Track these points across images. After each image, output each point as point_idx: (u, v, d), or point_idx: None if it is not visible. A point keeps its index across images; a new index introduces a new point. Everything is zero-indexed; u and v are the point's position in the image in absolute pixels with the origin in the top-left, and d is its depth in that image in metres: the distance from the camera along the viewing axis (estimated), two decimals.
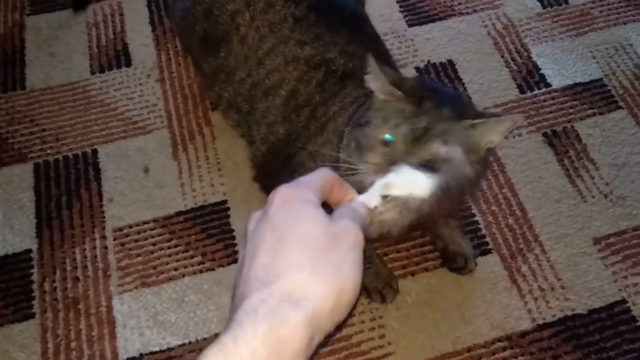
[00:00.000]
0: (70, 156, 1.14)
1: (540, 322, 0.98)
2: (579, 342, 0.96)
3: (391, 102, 0.74)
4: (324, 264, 0.41)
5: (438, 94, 0.75)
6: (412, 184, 0.63)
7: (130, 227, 1.07)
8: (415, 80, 0.82)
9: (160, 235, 1.06)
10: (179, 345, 0.96)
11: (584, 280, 1.01)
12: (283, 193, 0.45)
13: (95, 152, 1.15)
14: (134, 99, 1.21)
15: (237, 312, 0.40)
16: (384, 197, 0.55)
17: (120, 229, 1.07)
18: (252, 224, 0.45)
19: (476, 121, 0.71)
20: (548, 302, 0.99)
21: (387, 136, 0.69)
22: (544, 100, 1.21)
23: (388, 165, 0.66)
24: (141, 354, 0.95)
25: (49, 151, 1.15)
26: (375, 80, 0.75)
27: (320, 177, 0.48)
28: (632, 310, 0.98)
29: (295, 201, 0.44)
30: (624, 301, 0.99)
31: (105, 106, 1.20)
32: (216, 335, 0.97)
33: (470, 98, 1.14)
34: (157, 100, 1.21)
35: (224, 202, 1.09)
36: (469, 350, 0.95)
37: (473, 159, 0.72)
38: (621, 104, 1.20)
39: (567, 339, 0.96)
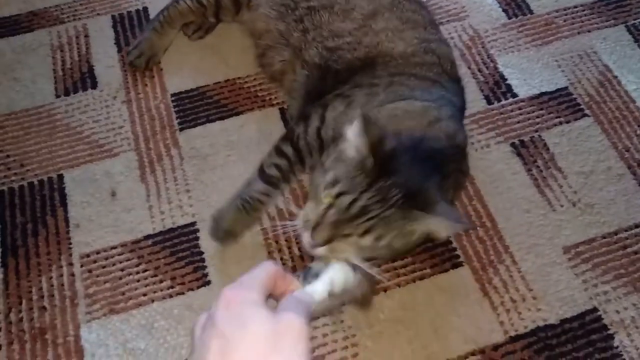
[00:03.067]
0: (36, 182, 1.12)
1: (513, 333, 0.98)
2: (552, 352, 0.96)
3: (352, 161, 0.75)
4: None
5: (404, 172, 0.76)
6: (348, 280, 0.65)
7: (98, 252, 1.05)
8: (393, 148, 0.78)
9: (128, 260, 1.05)
10: None
11: (555, 289, 1.02)
12: (227, 297, 0.46)
13: (61, 177, 1.13)
14: (100, 122, 1.19)
15: None
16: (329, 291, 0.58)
17: (88, 255, 1.05)
18: (199, 330, 0.46)
19: (422, 216, 0.74)
20: (520, 313, 1.00)
21: (325, 199, 0.72)
22: (511, 111, 1.22)
23: (312, 240, 0.74)
24: None
25: (13, 178, 1.13)
26: (355, 136, 0.76)
27: (263, 274, 0.50)
28: (603, 319, 0.99)
29: (239, 305, 0.45)
30: (595, 309, 1.00)
31: (70, 130, 1.18)
32: None
33: None
34: (123, 122, 1.19)
35: (193, 224, 1.08)
36: None
37: (402, 242, 0.76)
38: (587, 111, 1.21)
39: (539, 350, 0.96)
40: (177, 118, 1.20)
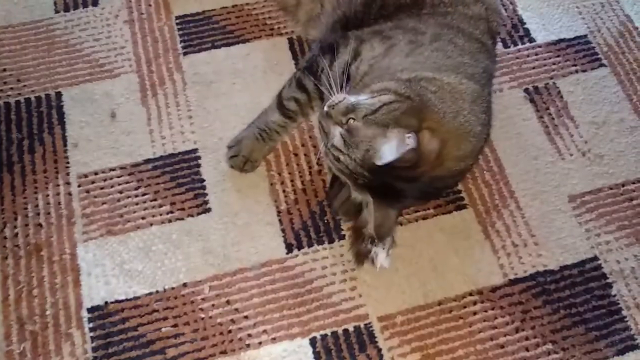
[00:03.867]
0: (33, 98, 1.08)
1: (512, 277, 0.97)
2: (549, 297, 0.96)
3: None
4: None
5: None
6: None
7: (96, 173, 1.03)
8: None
9: (127, 182, 1.02)
10: (146, 294, 0.94)
11: (557, 237, 1.01)
12: None
13: (59, 94, 1.09)
14: (101, 41, 1.14)
15: None
16: None
17: (86, 175, 1.02)
18: None
19: None
20: (520, 257, 0.99)
21: None
22: (527, 56, 1.18)
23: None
24: (106, 302, 0.93)
25: (9, 92, 1.09)
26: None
27: None
28: (603, 267, 0.99)
29: None
30: (595, 258, 0.99)
31: (70, 47, 1.13)
32: (185, 285, 0.95)
33: None
34: (125, 42, 1.14)
35: (195, 150, 1.05)
36: (439, 303, 0.95)
37: None
38: (604, 61, 1.18)
39: (537, 294, 0.96)
40: (181, 42, 1.15)
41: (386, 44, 0.92)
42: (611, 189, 1.05)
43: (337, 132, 0.82)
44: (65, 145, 1.05)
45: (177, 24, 1.17)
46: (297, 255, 0.98)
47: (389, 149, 0.76)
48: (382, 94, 0.81)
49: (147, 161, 1.04)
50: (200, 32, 1.17)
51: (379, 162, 0.77)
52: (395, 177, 0.80)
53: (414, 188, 0.83)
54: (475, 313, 0.94)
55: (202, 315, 0.93)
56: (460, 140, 0.83)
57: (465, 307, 0.95)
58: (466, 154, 0.86)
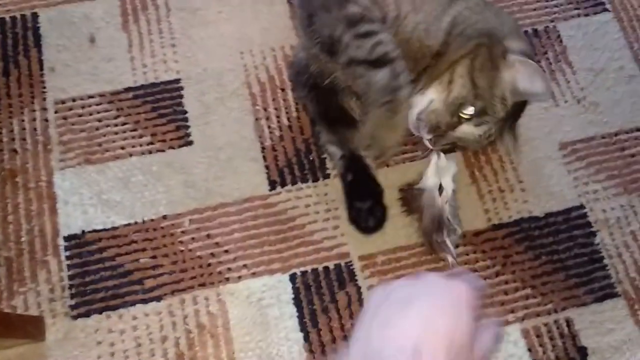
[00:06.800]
0: (7, 19, 1.03)
1: (496, 222, 0.96)
2: (532, 243, 0.96)
3: None
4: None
5: None
6: None
7: (74, 100, 0.99)
8: None
9: (106, 111, 0.99)
10: (124, 225, 0.92)
11: (545, 184, 1.00)
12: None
13: (35, 15, 1.03)
14: None
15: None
16: None
17: (63, 102, 0.98)
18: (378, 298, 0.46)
19: None
20: (506, 203, 0.98)
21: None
22: None
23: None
24: (83, 232, 0.91)
25: None
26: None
27: None
28: (588, 216, 0.98)
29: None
30: (581, 207, 0.98)
31: None
32: (164, 217, 0.93)
33: None
34: None
35: (177, 80, 1.01)
36: (422, 245, 0.94)
37: None
38: (608, 6, 1.13)
39: (520, 239, 0.96)
40: None
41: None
42: (604, 137, 1.03)
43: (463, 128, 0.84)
44: (41, 69, 1.00)
45: None
46: (280, 193, 0.96)
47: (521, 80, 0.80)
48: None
49: (128, 89, 1.00)
50: None
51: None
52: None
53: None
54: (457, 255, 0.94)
55: (182, 248, 0.91)
56: None
57: None
58: None
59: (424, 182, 0.92)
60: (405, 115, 0.82)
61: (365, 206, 0.92)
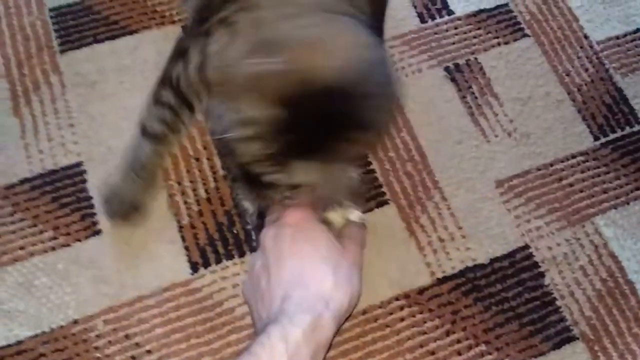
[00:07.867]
0: None
1: (440, 275, 0.90)
2: (480, 293, 0.90)
3: None
4: (341, 276, 0.66)
5: None
6: None
7: None
8: None
9: (1, 208, 0.89)
10: (30, 337, 0.82)
11: (485, 227, 0.94)
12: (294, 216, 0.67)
13: None
14: None
15: (285, 303, 0.61)
16: None
17: None
18: (269, 240, 0.68)
19: None
20: (448, 253, 0.92)
21: None
22: (447, 30, 1.09)
23: None
24: None
25: None
26: None
27: None
28: (534, 256, 0.93)
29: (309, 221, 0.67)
30: (526, 247, 0.93)
31: None
32: (75, 322, 0.83)
33: None
34: None
35: (79, 164, 0.92)
36: (364, 312, 0.87)
37: None
38: (527, 31, 1.10)
39: (467, 291, 0.90)
40: (57, 38, 1.00)
41: (229, 30, 0.72)
42: (539, 169, 0.99)
43: None
44: None
45: (51, 17, 1.02)
46: (204, 275, 0.87)
47: None
48: None
49: (23, 181, 0.90)
50: (79, 25, 1.02)
51: None
52: None
53: None
54: (402, 319, 0.87)
55: (98, 355, 0.82)
56: None
57: (391, 313, 0.87)
58: None
59: None
60: None
61: None
